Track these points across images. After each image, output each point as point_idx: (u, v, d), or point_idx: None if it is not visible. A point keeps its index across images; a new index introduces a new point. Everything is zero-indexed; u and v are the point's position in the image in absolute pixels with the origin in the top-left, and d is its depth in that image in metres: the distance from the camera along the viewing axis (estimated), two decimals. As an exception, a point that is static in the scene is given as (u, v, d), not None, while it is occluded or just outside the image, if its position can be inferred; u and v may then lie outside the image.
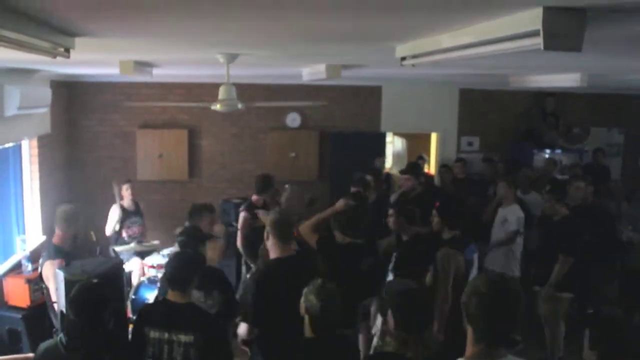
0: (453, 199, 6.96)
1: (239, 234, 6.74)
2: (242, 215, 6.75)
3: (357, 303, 5.08)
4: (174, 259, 4.08)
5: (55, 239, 5.34)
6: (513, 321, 2.30)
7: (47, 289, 5.15)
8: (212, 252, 5.12)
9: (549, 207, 6.30)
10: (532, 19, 2.27)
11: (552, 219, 6.31)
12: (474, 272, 5.58)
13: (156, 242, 7.69)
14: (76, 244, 5.53)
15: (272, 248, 4.41)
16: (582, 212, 6.64)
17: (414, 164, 8.95)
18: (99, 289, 3.68)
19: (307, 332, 3.51)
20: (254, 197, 6.95)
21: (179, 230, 5.15)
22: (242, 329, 4.23)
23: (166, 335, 3.76)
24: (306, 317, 3.50)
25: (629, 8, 2.25)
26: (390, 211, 5.82)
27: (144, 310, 4.15)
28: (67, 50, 3.51)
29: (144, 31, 3.37)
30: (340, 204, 5.35)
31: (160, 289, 5.19)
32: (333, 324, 3.49)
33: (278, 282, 4.16)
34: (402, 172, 8.10)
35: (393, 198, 7.95)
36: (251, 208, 6.74)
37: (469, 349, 2.34)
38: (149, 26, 3.15)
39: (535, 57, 4.33)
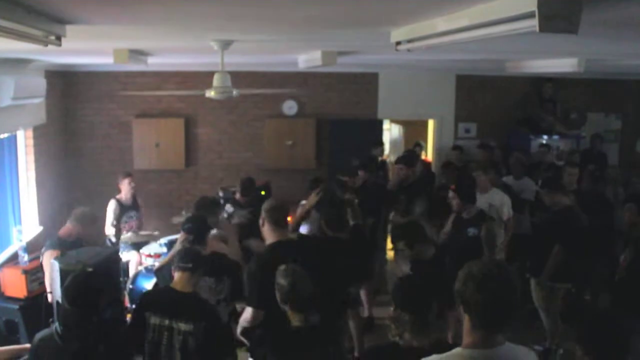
0: (465, 178, 6.97)
1: None
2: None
3: (341, 292, 5.06)
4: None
5: (62, 231, 5.36)
6: (509, 307, 2.28)
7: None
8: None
9: (549, 199, 6.24)
10: (527, 0, 2.24)
11: (550, 208, 6.27)
12: None
13: (156, 232, 7.64)
14: (80, 242, 5.53)
15: (268, 234, 4.44)
16: (580, 201, 6.63)
17: (408, 153, 8.97)
18: (92, 278, 3.67)
19: (293, 320, 3.54)
20: (238, 196, 7.28)
21: (181, 219, 5.25)
22: (247, 314, 4.20)
23: (167, 322, 3.81)
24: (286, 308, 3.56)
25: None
26: (451, 193, 6.03)
27: (147, 296, 4.23)
28: (59, 38, 3.47)
29: (136, 17, 3.33)
30: (312, 199, 5.39)
31: (159, 278, 5.19)
32: (307, 301, 3.51)
33: (280, 263, 4.17)
34: (395, 162, 8.10)
35: (390, 186, 7.97)
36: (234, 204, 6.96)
37: (467, 337, 2.32)
38: (141, 12, 3.12)
39: (531, 41, 4.30)
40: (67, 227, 5.42)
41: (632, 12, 2.79)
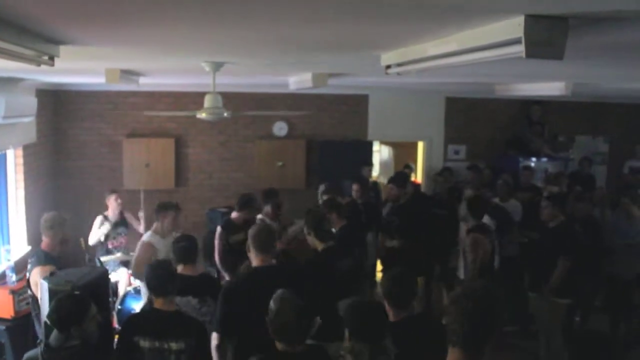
0: (479, 194, 7.30)
1: (216, 248, 6.67)
2: (217, 229, 6.67)
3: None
4: (152, 268, 4.12)
5: (44, 245, 5.31)
6: (486, 328, 2.31)
7: (33, 297, 5.10)
8: None
9: (547, 213, 6.34)
10: (514, 27, 2.29)
11: (546, 225, 6.36)
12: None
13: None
14: (64, 249, 5.51)
15: (252, 258, 4.46)
16: (573, 219, 6.73)
17: (400, 174, 9.04)
18: (77, 299, 3.65)
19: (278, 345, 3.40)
20: (234, 215, 6.81)
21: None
22: (213, 337, 4.21)
23: (157, 344, 3.77)
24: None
25: (610, 17, 2.28)
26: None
27: (132, 320, 4.15)
28: (52, 58, 3.50)
29: (129, 39, 3.36)
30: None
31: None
32: (290, 330, 3.33)
33: (251, 290, 4.20)
34: (387, 182, 8.16)
35: (385, 209, 8.01)
36: (228, 224, 6.67)
37: (449, 355, 2.36)
38: (134, 34, 3.15)
39: (519, 65, 4.37)
40: (46, 241, 5.36)
41: (616, 38, 2.85)
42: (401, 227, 7.04)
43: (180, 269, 4.74)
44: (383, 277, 3.94)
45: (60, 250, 5.40)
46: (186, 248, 4.81)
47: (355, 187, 7.80)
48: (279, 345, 3.35)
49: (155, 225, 6.01)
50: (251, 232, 4.48)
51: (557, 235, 6.18)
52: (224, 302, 4.20)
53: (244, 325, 4.14)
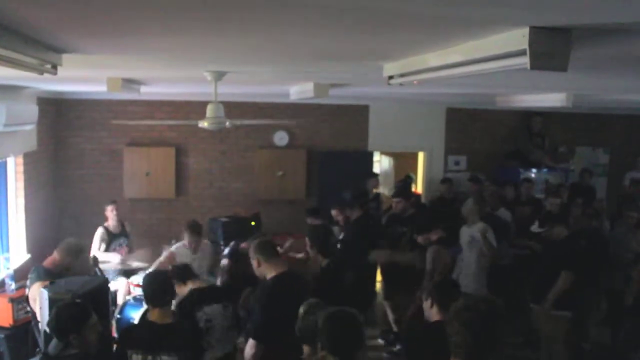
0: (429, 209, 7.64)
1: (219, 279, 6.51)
2: (224, 261, 6.49)
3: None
4: (149, 278, 4.16)
5: (47, 262, 5.31)
6: (489, 340, 2.31)
7: (32, 312, 5.10)
8: None
9: (551, 233, 6.33)
10: (518, 38, 2.30)
11: (550, 239, 6.36)
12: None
13: (142, 264, 7.52)
14: (65, 272, 5.49)
15: (266, 270, 4.37)
16: (579, 233, 6.71)
17: (403, 186, 9.02)
18: (78, 307, 3.64)
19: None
20: (244, 245, 6.49)
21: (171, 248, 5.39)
22: (249, 347, 4.16)
23: (149, 357, 3.79)
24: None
25: (612, 29, 2.28)
26: None
27: (126, 333, 4.16)
28: (54, 67, 3.50)
29: (132, 48, 3.37)
30: None
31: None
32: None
33: (282, 297, 4.19)
34: (393, 195, 8.14)
35: (384, 219, 7.99)
36: (236, 254, 6.45)
37: None
38: (137, 43, 3.15)
39: (522, 76, 4.37)
40: (53, 258, 5.36)
41: (619, 49, 2.85)
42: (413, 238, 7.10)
43: (191, 285, 4.76)
44: (431, 282, 4.06)
45: (63, 272, 5.39)
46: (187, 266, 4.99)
47: (334, 212, 7.48)
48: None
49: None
50: (255, 247, 4.41)
51: (562, 249, 6.14)
52: (264, 308, 4.18)
53: (278, 330, 4.07)
